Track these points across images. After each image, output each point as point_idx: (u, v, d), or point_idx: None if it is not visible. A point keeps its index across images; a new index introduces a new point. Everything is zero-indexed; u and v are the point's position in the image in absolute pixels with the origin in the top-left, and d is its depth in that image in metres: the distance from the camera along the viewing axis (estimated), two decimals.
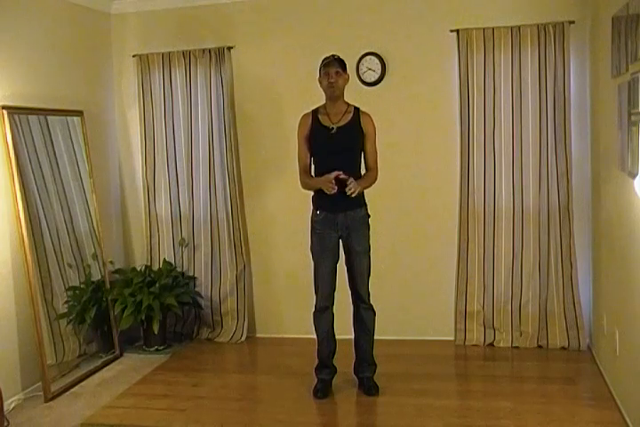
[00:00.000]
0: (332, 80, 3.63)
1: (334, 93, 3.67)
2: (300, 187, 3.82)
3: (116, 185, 5.14)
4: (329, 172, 3.59)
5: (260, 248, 5.01)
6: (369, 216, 3.79)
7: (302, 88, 4.63)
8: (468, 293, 4.60)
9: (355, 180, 3.58)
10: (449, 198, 4.62)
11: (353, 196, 3.54)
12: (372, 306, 3.83)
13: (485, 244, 4.56)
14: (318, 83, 3.72)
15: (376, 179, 3.76)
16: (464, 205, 4.57)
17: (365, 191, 3.78)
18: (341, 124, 3.69)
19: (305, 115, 3.80)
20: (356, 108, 3.76)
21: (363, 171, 3.79)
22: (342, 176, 3.53)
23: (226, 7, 4.85)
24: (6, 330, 3.86)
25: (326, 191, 3.56)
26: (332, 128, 3.68)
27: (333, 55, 3.70)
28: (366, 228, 3.77)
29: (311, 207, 3.78)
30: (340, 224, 3.70)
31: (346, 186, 3.53)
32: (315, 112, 3.77)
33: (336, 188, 3.52)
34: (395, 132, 4.63)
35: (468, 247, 4.58)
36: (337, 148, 3.66)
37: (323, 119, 3.73)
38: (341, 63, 3.68)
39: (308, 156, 3.78)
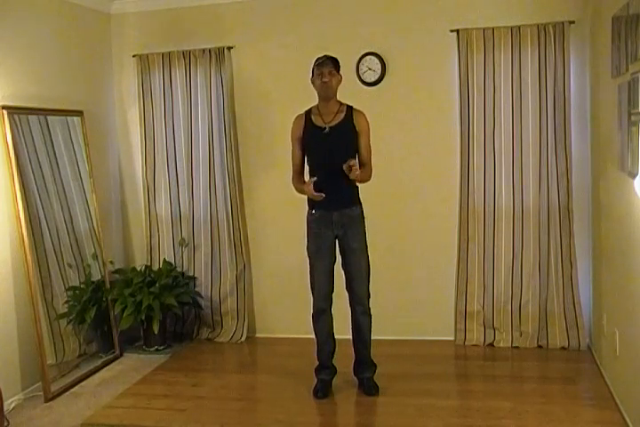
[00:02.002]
0: (326, 79, 3.61)
1: (327, 93, 3.66)
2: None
3: (116, 185, 5.14)
4: (324, 172, 3.61)
5: (260, 248, 5.01)
6: (363, 215, 3.78)
7: (302, 88, 4.60)
8: (468, 293, 4.60)
9: (348, 177, 3.59)
10: (449, 198, 4.62)
11: (352, 176, 3.52)
12: (369, 310, 3.80)
13: (485, 244, 4.56)
14: (311, 82, 3.71)
15: (371, 174, 3.76)
16: (464, 204, 4.57)
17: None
18: (334, 123, 3.68)
19: (298, 116, 3.79)
20: (349, 107, 3.74)
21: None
22: (348, 164, 3.51)
23: (226, 7, 4.85)
24: (6, 330, 3.86)
25: (316, 200, 3.59)
26: (325, 128, 3.67)
27: (326, 55, 3.68)
28: (362, 226, 3.76)
29: None
30: (336, 222, 3.69)
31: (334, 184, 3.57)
32: (307, 113, 3.76)
33: (323, 195, 3.54)
34: (395, 132, 4.63)
35: (468, 247, 4.58)
36: (331, 147, 3.65)
37: (315, 119, 3.72)
38: (335, 63, 3.66)
39: (302, 158, 3.79)
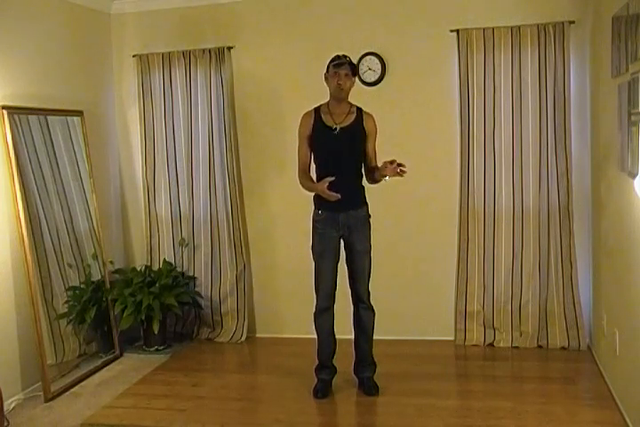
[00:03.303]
0: (341, 82, 3.61)
1: (340, 95, 3.66)
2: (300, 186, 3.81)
3: (116, 185, 5.14)
4: (331, 172, 3.58)
5: (260, 248, 5.01)
6: (370, 216, 3.79)
7: (302, 88, 4.64)
8: (468, 293, 4.60)
9: (355, 179, 3.68)
10: (449, 198, 4.62)
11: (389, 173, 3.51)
12: (371, 306, 3.83)
13: (485, 244, 4.56)
14: (324, 79, 3.70)
15: None
16: (464, 205, 4.57)
17: (365, 191, 3.78)
18: (345, 124, 3.68)
19: (306, 113, 3.78)
20: (359, 109, 3.75)
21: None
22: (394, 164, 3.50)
23: (226, 7, 4.85)
24: (6, 330, 3.86)
25: (330, 200, 3.53)
26: (336, 128, 3.67)
27: (345, 56, 3.66)
28: (367, 227, 3.76)
29: (311, 207, 3.77)
30: (342, 224, 3.69)
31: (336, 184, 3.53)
32: (317, 111, 3.75)
33: (339, 195, 3.50)
34: (395, 132, 4.62)
35: (468, 247, 4.58)
36: (340, 148, 3.65)
37: (326, 119, 3.71)
38: (353, 67, 3.66)
39: (309, 155, 3.77)
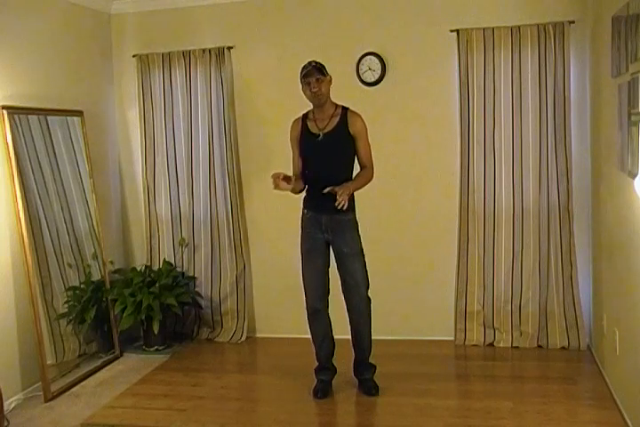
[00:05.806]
0: (315, 89, 3.57)
1: (320, 100, 3.63)
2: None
3: (116, 185, 5.14)
4: (318, 177, 3.63)
5: (260, 248, 5.01)
6: (357, 223, 3.72)
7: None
8: (468, 293, 4.60)
9: (343, 183, 3.54)
10: (449, 198, 4.62)
11: (341, 206, 3.43)
12: (366, 315, 3.74)
13: (485, 244, 4.56)
14: (302, 93, 3.66)
15: (372, 176, 3.72)
16: (464, 205, 4.56)
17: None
18: (328, 129, 3.65)
19: (295, 121, 3.79)
20: (345, 109, 3.70)
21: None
22: (327, 190, 3.49)
23: (226, 7, 4.85)
24: (6, 330, 3.86)
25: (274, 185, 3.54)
26: (319, 135, 3.66)
27: (310, 62, 3.63)
28: (354, 231, 3.69)
29: None
30: (325, 226, 3.67)
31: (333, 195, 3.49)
32: (304, 117, 3.75)
33: (283, 186, 3.52)
34: (394, 133, 4.64)
35: (468, 247, 4.58)
36: (325, 154, 3.64)
37: (311, 126, 3.70)
38: (320, 69, 3.60)
39: (300, 161, 3.78)
